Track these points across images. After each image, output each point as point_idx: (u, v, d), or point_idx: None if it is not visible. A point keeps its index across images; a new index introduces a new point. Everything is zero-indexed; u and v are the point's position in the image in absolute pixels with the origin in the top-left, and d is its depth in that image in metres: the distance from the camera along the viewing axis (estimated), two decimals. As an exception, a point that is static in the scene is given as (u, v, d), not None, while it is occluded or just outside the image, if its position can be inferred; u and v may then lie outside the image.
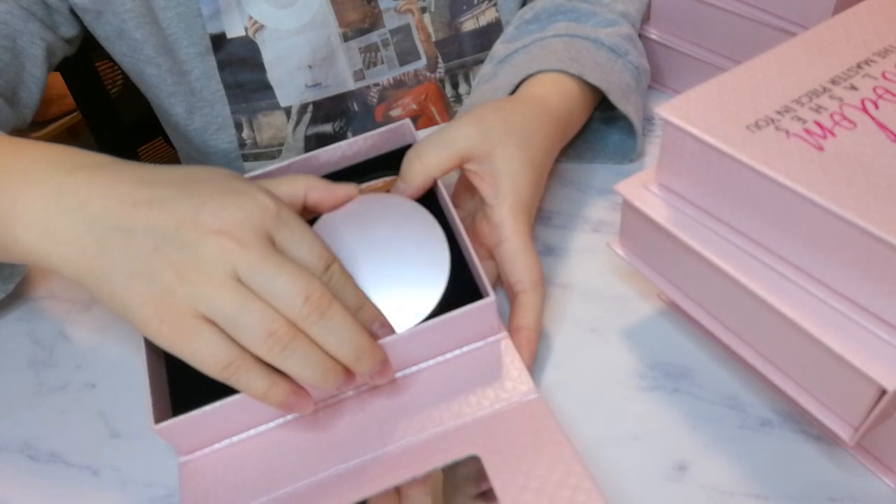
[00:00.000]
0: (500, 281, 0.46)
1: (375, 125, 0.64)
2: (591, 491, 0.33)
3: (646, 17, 0.60)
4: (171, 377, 0.40)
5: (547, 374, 0.42)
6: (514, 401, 0.38)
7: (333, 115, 0.63)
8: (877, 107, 0.34)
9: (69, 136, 1.50)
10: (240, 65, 0.59)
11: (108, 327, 0.48)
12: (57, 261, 0.35)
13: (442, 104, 0.66)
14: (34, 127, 1.41)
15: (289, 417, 0.39)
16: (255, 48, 0.59)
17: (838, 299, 0.32)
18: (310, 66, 0.60)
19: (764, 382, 0.40)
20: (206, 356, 0.33)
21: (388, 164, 0.47)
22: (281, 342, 0.33)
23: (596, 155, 0.55)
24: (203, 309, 0.33)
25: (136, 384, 0.42)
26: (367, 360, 0.35)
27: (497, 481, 0.34)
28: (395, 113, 0.65)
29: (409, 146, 0.47)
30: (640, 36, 0.60)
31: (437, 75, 0.64)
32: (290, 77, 0.60)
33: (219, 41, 0.58)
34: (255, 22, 0.58)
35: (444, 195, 0.42)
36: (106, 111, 0.96)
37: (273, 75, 0.60)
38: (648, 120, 0.58)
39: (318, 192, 0.40)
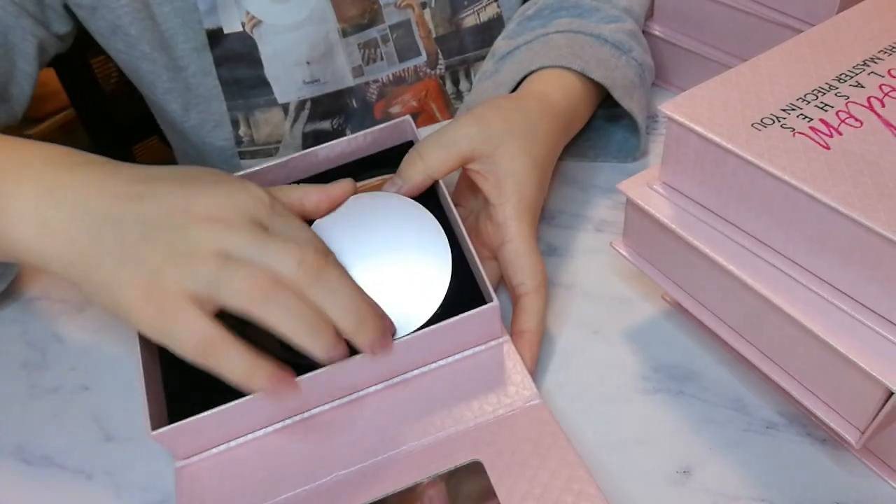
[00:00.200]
0: (502, 281, 0.45)
1: (374, 122, 0.64)
2: (595, 497, 0.33)
3: (649, 14, 0.60)
4: (167, 380, 0.39)
5: (549, 377, 0.42)
6: (517, 406, 0.37)
7: (332, 111, 0.63)
8: (883, 104, 0.34)
9: (63, 134, 1.49)
10: (237, 61, 0.58)
11: (102, 329, 0.48)
12: (47, 253, 0.35)
13: (442, 101, 0.65)
14: (27, 124, 1.40)
15: (288, 422, 0.38)
16: (253, 44, 0.58)
17: (844, 300, 0.32)
18: (308, 62, 0.60)
19: (769, 385, 0.40)
20: (183, 335, 0.32)
21: (387, 160, 0.46)
22: (262, 289, 0.32)
23: (599, 153, 0.55)
24: (190, 284, 0.32)
25: (130, 386, 0.42)
26: (370, 327, 0.34)
27: (500, 487, 0.34)
28: (394, 110, 0.64)
29: (409, 143, 0.47)
30: (644, 33, 0.59)
31: (438, 72, 0.64)
32: (288, 73, 0.60)
33: (215, 37, 0.57)
34: (253, 17, 0.57)
35: (446, 195, 0.42)
36: (100, 109, 0.95)
37: (270, 71, 0.59)
38: (652, 118, 0.58)
39: (314, 194, 0.40)
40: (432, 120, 0.66)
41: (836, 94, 0.34)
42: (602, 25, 0.53)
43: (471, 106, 0.47)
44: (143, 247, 0.33)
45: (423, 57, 0.63)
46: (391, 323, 0.37)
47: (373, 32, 0.61)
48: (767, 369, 0.35)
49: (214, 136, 0.62)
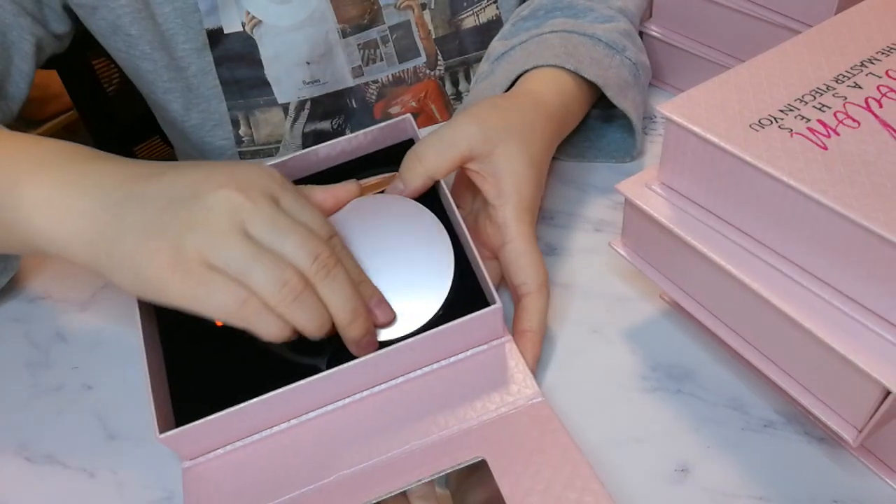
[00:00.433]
0: (502, 281, 0.45)
1: (374, 122, 0.64)
2: (598, 493, 0.33)
3: (647, 15, 0.60)
4: (172, 381, 0.39)
5: (548, 375, 0.42)
6: (520, 404, 0.38)
7: (332, 112, 0.63)
8: (881, 105, 0.34)
9: (65, 135, 1.48)
10: (237, 61, 0.59)
11: (105, 328, 0.48)
12: (68, 237, 0.36)
13: (442, 102, 0.65)
14: (30, 126, 1.40)
15: (293, 422, 0.38)
16: (253, 44, 0.58)
17: (842, 299, 0.32)
18: (308, 63, 0.60)
19: (767, 384, 0.40)
20: (222, 297, 0.33)
21: (387, 159, 0.46)
22: (294, 291, 0.34)
23: (597, 153, 0.55)
24: (213, 258, 0.34)
25: (132, 385, 0.42)
26: (360, 325, 0.36)
27: (504, 485, 0.34)
28: (394, 110, 0.64)
29: (409, 141, 0.47)
30: (641, 33, 0.59)
31: (437, 73, 0.64)
32: (288, 73, 0.60)
33: (216, 36, 0.57)
34: (253, 17, 0.57)
35: (448, 196, 0.42)
36: (102, 110, 0.95)
37: (271, 71, 0.59)
38: (650, 118, 0.58)
39: (318, 194, 0.41)
40: (432, 121, 0.66)
41: (833, 95, 0.35)
42: (596, 25, 0.53)
43: (467, 107, 0.47)
44: (165, 217, 0.34)
45: (423, 58, 0.63)
46: (393, 313, 0.38)
47: (373, 33, 0.61)
48: (765, 368, 0.35)
49: (214, 136, 0.62)
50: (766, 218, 0.33)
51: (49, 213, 0.36)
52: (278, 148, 0.63)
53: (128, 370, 0.44)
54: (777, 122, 0.33)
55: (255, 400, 0.35)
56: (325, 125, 0.63)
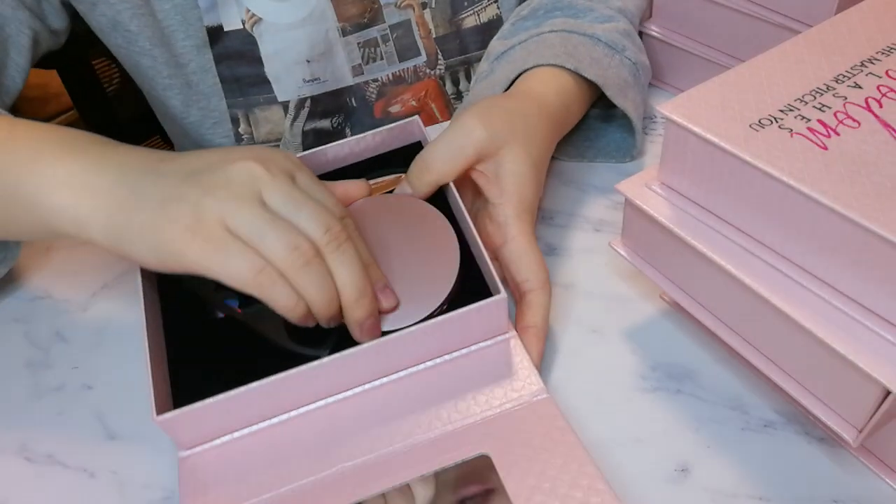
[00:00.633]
0: (503, 281, 0.45)
1: (374, 121, 0.64)
2: (604, 492, 0.33)
3: (647, 15, 0.60)
4: (172, 369, 0.39)
5: (547, 375, 0.42)
6: (524, 401, 0.38)
7: (331, 110, 0.63)
8: (881, 105, 0.34)
9: (66, 134, 1.49)
10: (237, 58, 0.59)
11: (105, 328, 0.48)
12: (89, 211, 0.36)
13: (442, 101, 0.65)
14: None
15: (293, 413, 0.38)
16: (253, 41, 0.58)
17: (842, 300, 0.32)
18: (308, 61, 0.60)
19: (767, 384, 0.40)
20: (240, 263, 0.34)
21: (395, 161, 0.47)
22: (304, 256, 0.35)
23: (597, 153, 0.55)
24: (230, 222, 0.34)
25: (133, 385, 0.42)
26: (366, 305, 0.37)
27: (508, 481, 0.34)
28: (394, 109, 0.64)
29: (417, 143, 0.47)
30: (641, 33, 0.59)
31: (438, 72, 0.64)
32: (288, 71, 0.60)
33: (216, 34, 0.57)
34: (253, 15, 0.57)
35: (453, 190, 0.43)
36: (102, 109, 0.95)
37: (270, 69, 0.59)
38: (650, 118, 0.58)
39: (329, 187, 0.41)
40: (432, 120, 0.66)
41: (833, 95, 0.35)
42: (595, 25, 0.53)
43: (468, 106, 0.48)
44: (184, 187, 0.36)
45: (423, 57, 0.63)
46: (397, 300, 0.39)
47: (373, 32, 0.61)
48: (765, 368, 0.35)
49: (214, 134, 0.62)
50: (766, 218, 0.33)
51: (70, 191, 0.37)
52: (278, 146, 0.63)
53: (128, 370, 0.44)
54: (777, 122, 0.33)
55: (254, 384, 0.35)
56: (324, 123, 0.63)
